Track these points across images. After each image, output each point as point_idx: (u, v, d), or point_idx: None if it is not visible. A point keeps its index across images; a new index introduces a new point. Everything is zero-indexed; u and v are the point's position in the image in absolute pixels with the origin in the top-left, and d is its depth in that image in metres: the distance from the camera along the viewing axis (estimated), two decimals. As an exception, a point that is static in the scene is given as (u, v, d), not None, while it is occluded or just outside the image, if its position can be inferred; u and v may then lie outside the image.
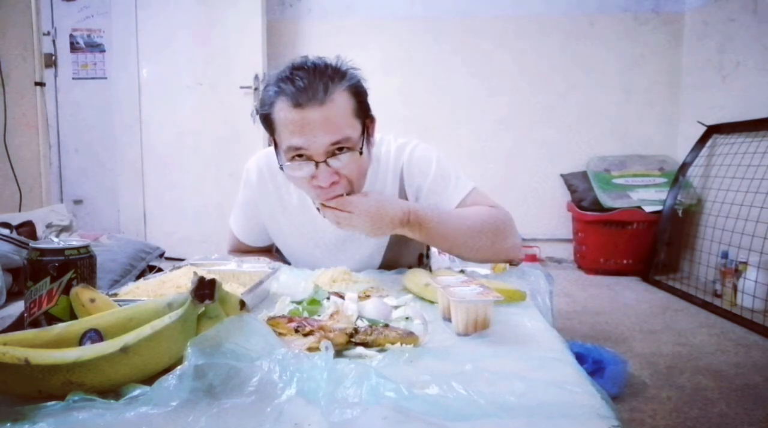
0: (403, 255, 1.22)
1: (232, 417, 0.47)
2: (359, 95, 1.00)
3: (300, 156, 0.96)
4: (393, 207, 0.99)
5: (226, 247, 1.36)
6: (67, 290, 0.65)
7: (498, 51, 3.69)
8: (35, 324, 0.65)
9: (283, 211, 1.20)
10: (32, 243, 0.67)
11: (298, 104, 0.92)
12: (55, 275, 0.65)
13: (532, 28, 3.66)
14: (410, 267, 1.26)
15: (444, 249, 1.06)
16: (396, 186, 1.15)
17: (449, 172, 1.14)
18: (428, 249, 1.41)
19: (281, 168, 1.00)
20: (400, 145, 1.17)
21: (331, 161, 0.95)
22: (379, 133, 1.16)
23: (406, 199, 1.15)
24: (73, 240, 0.70)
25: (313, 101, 0.92)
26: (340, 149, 0.96)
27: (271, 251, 1.36)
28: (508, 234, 1.08)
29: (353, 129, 0.97)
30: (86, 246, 0.69)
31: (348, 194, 1.02)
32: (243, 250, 1.32)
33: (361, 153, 0.99)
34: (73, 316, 0.65)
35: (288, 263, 1.28)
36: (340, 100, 0.95)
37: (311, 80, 0.93)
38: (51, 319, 0.64)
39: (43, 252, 0.66)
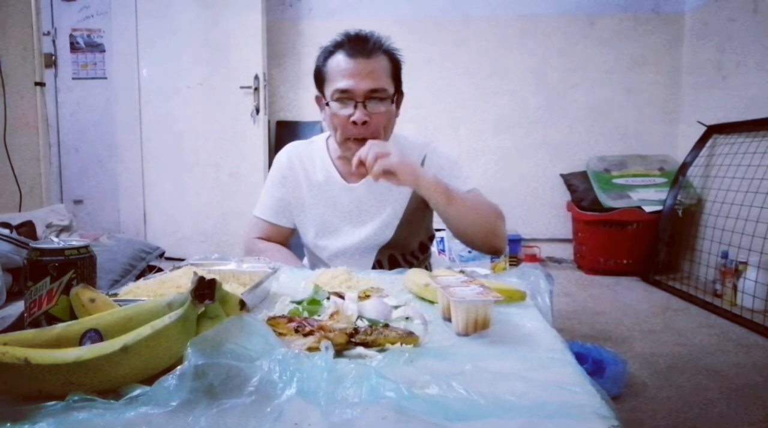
0: (412, 234, 1.35)
1: (232, 417, 0.47)
2: (395, 62, 1.23)
3: (344, 98, 1.17)
4: (424, 169, 1.19)
5: (247, 235, 1.41)
6: (67, 290, 0.65)
7: (498, 51, 3.69)
8: (35, 324, 0.65)
9: (308, 186, 1.35)
10: (32, 244, 0.67)
11: (350, 54, 1.17)
12: (55, 275, 0.65)
13: (532, 28, 3.67)
14: (413, 253, 1.35)
15: (450, 218, 1.17)
16: None
17: (462, 169, 1.33)
18: (431, 239, 1.47)
19: (327, 104, 1.20)
20: (426, 139, 1.38)
21: (368, 103, 1.17)
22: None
23: None
24: (73, 240, 0.70)
25: (362, 54, 1.17)
26: (376, 97, 1.18)
27: (287, 244, 1.41)
28: (501, 222, 1.23)
29: (388, 85, 1.20)
30: (86, 246, 0.69)
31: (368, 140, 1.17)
32: (263, 236, 1.38)
33: (392, 102, 1.21)
34: (73, 316, 0.65)
35: (301, 255, 1.40)
36: (382, 59, 1.20)
37: (362, 40, 1.19)
38: (51, 319, 0.64)
39: (43, 252, 0.66)
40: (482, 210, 1.20)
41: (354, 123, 1.17)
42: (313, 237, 1.36)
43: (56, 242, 0.68)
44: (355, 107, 1.17)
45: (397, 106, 1.27)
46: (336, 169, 1.33)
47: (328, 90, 1.20)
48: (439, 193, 1.13)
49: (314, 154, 1.36)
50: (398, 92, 1.25)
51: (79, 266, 0.67)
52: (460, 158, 1.35)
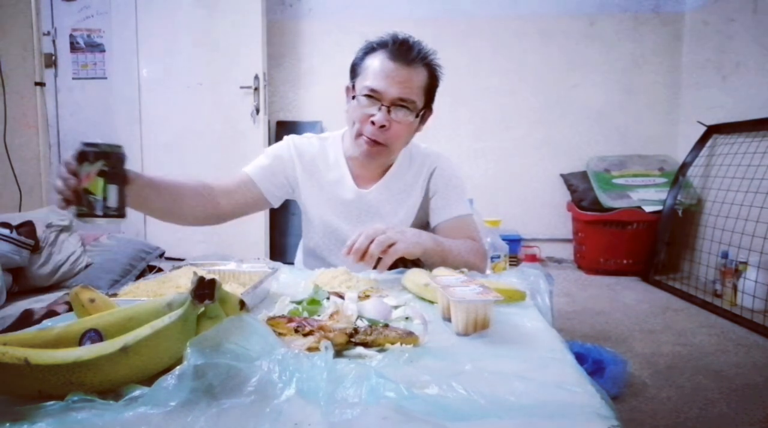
0: None
1: (231, 417, 0.47)
2: (433, 79, 1.24)
3: (372, 97, 1.17)
4: (425, 233, 1.15)
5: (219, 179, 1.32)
6: (101, 174, 0.87)
7: (498, 51, 3.69)
8: (78, 198, 0.87)
9: (317, 182, 1.32)
10: (81, 141, 0.89)
11: (392, 58, 1.17)
12: (92, 160, 0.87)
13: (532, 28, 3.67)
14: (414, 262, 1.30)
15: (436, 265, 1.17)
16: (425, 178, 1.33)
17: (463, 194, 1.35)
18: None
19: (353, 98, 1.20)
20: (437, 151, 1.39)
21: (392, 109, 1.17)
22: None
23: (427, 190, 1.33)
24: (110, 141, 0.90)
25: (404, 60, 1.17)
26: (402, 106, 1.17)
27: (245, 211, 1.32)
28: (484, 262, 1.26)
29: (419, 98, 1.20)
30: (119, 146, 0.91)
31: (383, 145, 1.19)
32: (225, 182, 1.29)
33: (417, 115, 1.21)
34: (105, 196, 0.87)
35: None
36: (420, 72, 1.20)
37: (409, 47, 1.19)
38: (87, 194, 0.86)
39: (86, 145, 0.88)
40: (469, 257, 1.19)
41: (373, 123, 1.17)
42: (320, 237, 1.34)
43: (99, 141, 0.89)
44: (380, 109, 1.17)
45: (423, 122, 1.28)
46: (349, 171, 1.31)
47: (360, 84, 1.19)
48: (437, 255, 1.13)
49: (328, 151, 1.34)
50: (427, 108, 1.26)
51: (110, 157, 0.88)
52: (464, 182, 1.36)
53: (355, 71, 1.24)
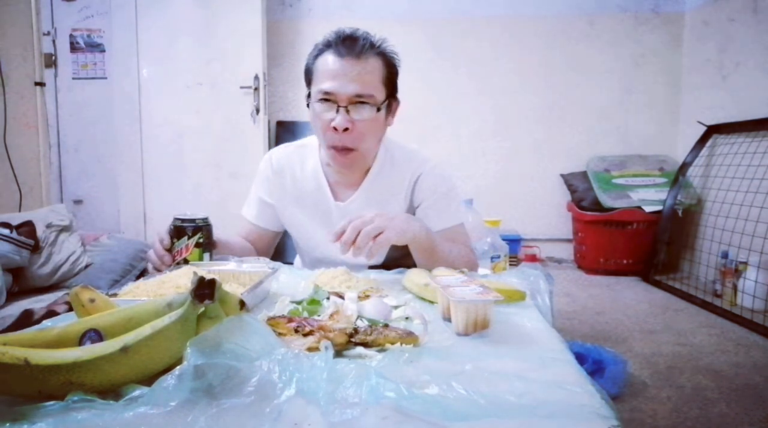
0: (406, 255, 1.23)
1: (231, 417, 0.47)
2: (390, 67, 1.16)
3: (327, 100, 1.10)
4: (416, 220, 1.10)
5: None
6: (197, 245, 1.03)
7: (498, 51, 3.69)
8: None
9: (296, 194, 1.28)
10: (175, 216, 1.05)
11: (339, 54, 1.09)
12: (190, 235, 1.02)
13: (531, 29, 3.66)
14: (409, 266, 1.27)
15: (423, 264, 1.12)
16: (409, 186, 1.25)
17: (453, 202, 1.26)
18: None
19: (307, 106, 1.15)
20: (425, 156, 1.29)
21: (351, 108, 1.09)
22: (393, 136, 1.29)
23: (411, 199, 1.26)
24: (199, 214, 1.05)
25: (351, 55, 1.09)
26: (362, 103, 1.10)
27: (272, 245, 1.39)
28: (474, 270, 1.20)
29: (378, 91, 1.12)
30: (206, 218, 1.06)
31: (352, 150, 1.13)
32: (245, 236, 1.36)
33: (378, 110, 1.12)
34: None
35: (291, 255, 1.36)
36: (374, 63, 1.11)
37: (353, 39, 1.11)
38: (186, 263, 1.00)
39: (183, 220, 1.03)
40: (455, 260, 1.13)
41: (335, 129, 1.09)
42: (304, 247, 1.32)
43: (189, 215, 1.04)
44: (337, 112, 1.09)
45: (391, 114, 1.20)
46: (326, 181, 1.25)
47: (314, 89, 1.12)
48: (426, 251, 1.08)
49: (306, 159, 1.28)
50: (392, 98, 1.18)
51: (203, 229, 1.04)
52: (455, 188, 1.28)
53: (308, 78, 1.16)
